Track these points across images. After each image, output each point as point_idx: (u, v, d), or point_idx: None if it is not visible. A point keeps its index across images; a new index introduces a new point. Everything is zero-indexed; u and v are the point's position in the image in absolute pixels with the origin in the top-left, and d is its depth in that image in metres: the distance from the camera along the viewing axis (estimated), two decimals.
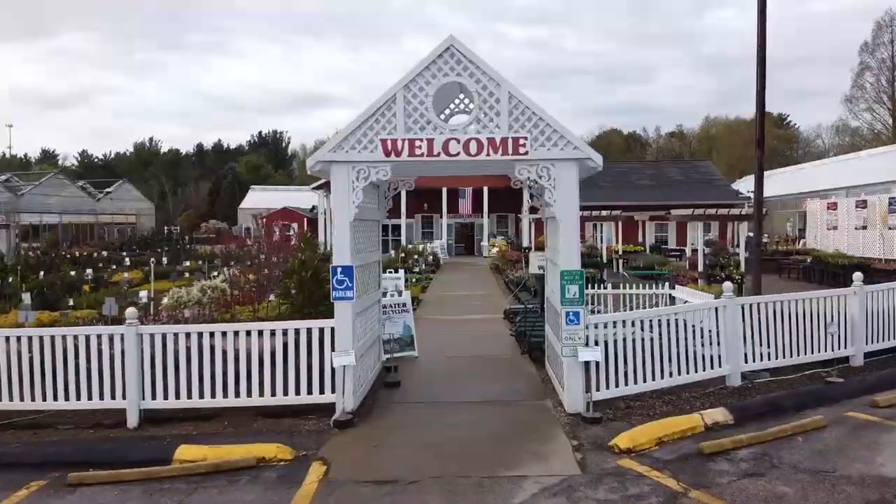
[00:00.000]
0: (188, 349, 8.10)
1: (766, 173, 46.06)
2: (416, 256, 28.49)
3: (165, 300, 10.03)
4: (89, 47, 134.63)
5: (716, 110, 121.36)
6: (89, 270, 21.96)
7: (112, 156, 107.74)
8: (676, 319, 8.81)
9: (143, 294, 14.40)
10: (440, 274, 27.83)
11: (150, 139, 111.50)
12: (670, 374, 8.73)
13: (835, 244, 28.96)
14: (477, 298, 19.40)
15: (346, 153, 7.92)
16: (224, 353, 8.06)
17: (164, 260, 29.43)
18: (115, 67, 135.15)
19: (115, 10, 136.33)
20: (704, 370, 9.02)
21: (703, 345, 8.99)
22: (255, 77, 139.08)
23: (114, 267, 29.07)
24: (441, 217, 39.97)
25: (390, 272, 16.93)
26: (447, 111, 9.31)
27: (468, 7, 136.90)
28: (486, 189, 39.09)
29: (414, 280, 22.44)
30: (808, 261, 23.40)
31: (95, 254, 38.94)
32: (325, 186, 40.41)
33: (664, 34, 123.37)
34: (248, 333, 8.10)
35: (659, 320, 8.69)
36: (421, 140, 7.84)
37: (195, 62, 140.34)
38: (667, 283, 14.56)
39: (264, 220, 43.03)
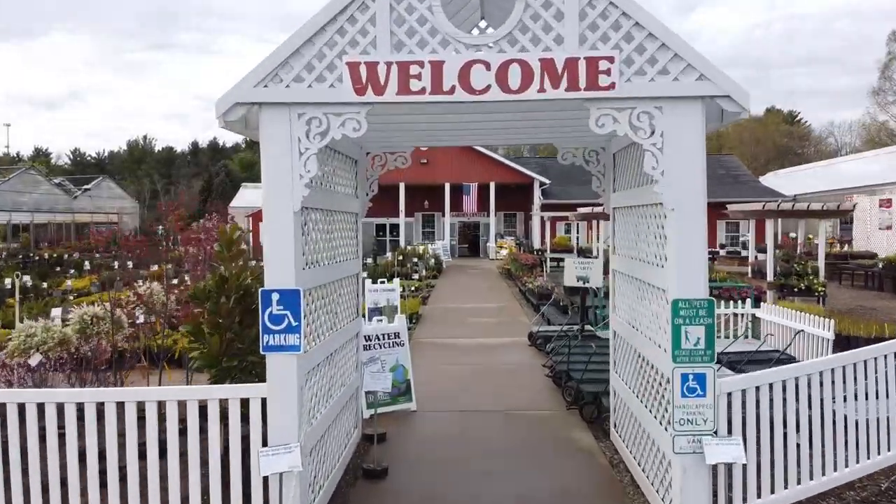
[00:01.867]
0: (23, 431, 4.61)
1: (787, 170, 42.52)
2: (415, 260, 24.97)
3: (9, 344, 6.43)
4: (83, 48, 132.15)
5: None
6: (26, 277, 18.54)
7: (105, 154, 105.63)
8: (855, 372, 5.32)
9: (56, 313, 10.86)
10: (443, 280, 24.29)
11: (144, 137, 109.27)
12: (833, 466, 5.23)
13: (890, 245, 25.47)
14: (490, 313, 15.87)
15: (286, 88, 4.40)
16: (81, 441, 4.58)
17: (130, 264, 25.92)
18: (109, 68, 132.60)
19: (109, 11, 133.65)
20: (888, 450, 5.56)
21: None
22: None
23: (71, 271, 25.59)
24: (443, 215, 36.45)
25: (382, 282, 13.42)
26: None
27: None
28: (492, 185, 35.59)
29: (413, 288, 18.92)
30: (880, 266, 19.85)
31: (66, 256, 35.57)
32: None
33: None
34: (121, 406, 4.61)
35: (833, 374, 5.17)
36: (421, 63, 4.31)
37: (189, 63, 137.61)
38: (747, 300, 11.09)
39: (250, 218, 39.55)
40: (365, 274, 19.73)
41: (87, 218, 48.56)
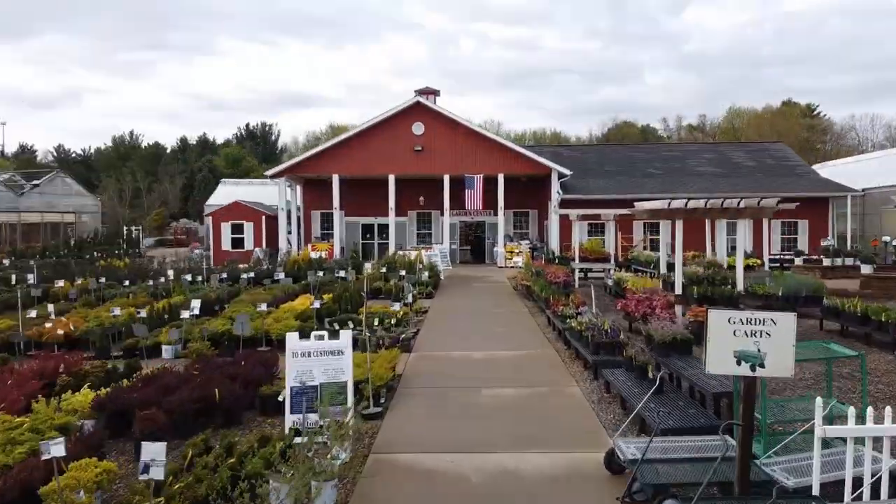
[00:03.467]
0: None
1: (842, 161, 36.59)
2: (403, 273, 18.82)
3: None
4: (76, 48, 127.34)
5: (738, 102, 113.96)
6: None
7: (91, 151, 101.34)
8: None
9: None
10: (440, 302, 18.16)
11: (131, 133, 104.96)
12: None
13: None
14: (514, 375, 9.72)
15: None
16: None
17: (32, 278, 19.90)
18: (103, 68, 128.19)
19: (102, 12, 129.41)
20: None
21: None
22: (243, 78, 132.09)
23: None
24: (442, 214, 30.32)
25: (320, 336, 7.30)
26: None
27: (445, 8, 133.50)
28: (500, 177, 29.44)
29: (393, 322, 12.82)
30: None
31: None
32: (292, 173, 30.72)
33: (645, 34, 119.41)
34: None
35: None
36: None
37: (182, 63, 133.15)
38: None
39: (210, 218, 33.43)
40: (315, 305, 13.53)
41: (36, 217, 42.49)
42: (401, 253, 25.84)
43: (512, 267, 27.72)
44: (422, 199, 32.50)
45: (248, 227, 32.24)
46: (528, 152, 29.95)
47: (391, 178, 29.38)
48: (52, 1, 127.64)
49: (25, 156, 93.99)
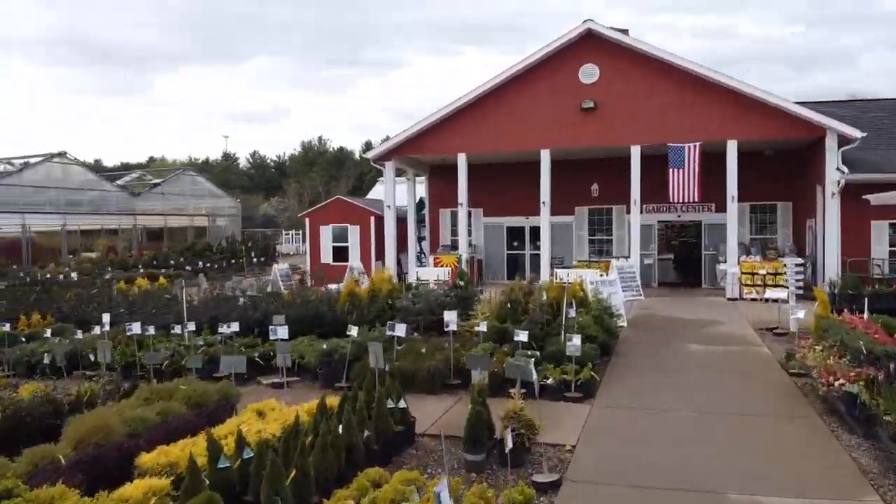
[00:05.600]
0: None
1: None
2: (521, 339, 8.22)
3: None
4: (285, 68, 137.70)
5: None
6: None
7: (286, 157, 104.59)
8: None
9: None
10: (603, 422, 7.51)
11: (319, 138, 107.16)
12: None
13: None
14: None
15: None
16: None
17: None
18: (304, 85, 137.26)
19: (302, 35, 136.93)
20: None
21: None
22: (429, 88, 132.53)
23: None
24: (628, 211, 19.05)
25: None
26: None
27: (624, 2, 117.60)
28: (731, 146, 17.54)
29: None
30: None
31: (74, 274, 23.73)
32: (402, 154, 21.31)
33: (854, 14, 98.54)
34: None
35: None
36: None
37: (376, 76, 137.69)
38: None
39: (306, 218, 25.10)
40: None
41: (158, 221, 37.59)
42: (560, 273, 15.23)
43: (754, 299, 15.88)
44: (595, 187, 21.35)
45: (353, 232, 23.45)
46: (784, 103, 17.61)
47: (544, 156, 18.80)
48: (263, 28, 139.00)
49: (227, 163, 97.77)
